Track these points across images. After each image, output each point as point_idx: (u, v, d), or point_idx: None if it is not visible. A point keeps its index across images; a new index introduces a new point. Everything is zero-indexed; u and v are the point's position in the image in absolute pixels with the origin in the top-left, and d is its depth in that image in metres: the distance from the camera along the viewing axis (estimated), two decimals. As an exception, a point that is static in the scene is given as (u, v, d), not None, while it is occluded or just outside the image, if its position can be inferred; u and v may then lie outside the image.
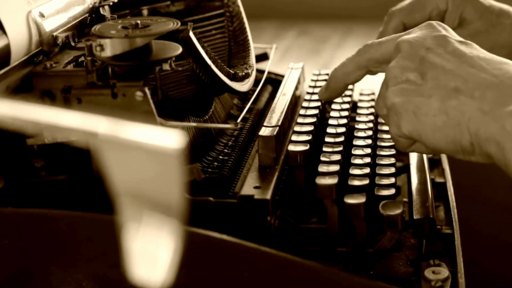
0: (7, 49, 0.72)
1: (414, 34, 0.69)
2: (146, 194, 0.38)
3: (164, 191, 0.38)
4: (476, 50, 0.67)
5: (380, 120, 0.92)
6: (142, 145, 0.38)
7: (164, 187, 0.38)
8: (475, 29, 0.89)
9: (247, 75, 0.87)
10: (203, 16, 0.94)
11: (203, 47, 0.77)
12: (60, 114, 0.40)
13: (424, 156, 0.88)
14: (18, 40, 0.73)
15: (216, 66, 0.79)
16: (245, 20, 0.96)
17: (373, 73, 0.76)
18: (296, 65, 1.01)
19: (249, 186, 0.71)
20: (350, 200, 0.70)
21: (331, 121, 0.86)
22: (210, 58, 0.78)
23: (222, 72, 0.80)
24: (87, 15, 0.87)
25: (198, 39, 0.77)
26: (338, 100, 0.93)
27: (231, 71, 0.83)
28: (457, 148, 0.64)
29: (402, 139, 0.68)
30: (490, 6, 0.90)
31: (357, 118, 0.90)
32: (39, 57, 0.75)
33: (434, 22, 0.71)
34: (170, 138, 0.38)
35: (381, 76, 0.94)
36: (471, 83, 0.63)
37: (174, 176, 0.37)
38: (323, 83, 0.95)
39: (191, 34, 0.75)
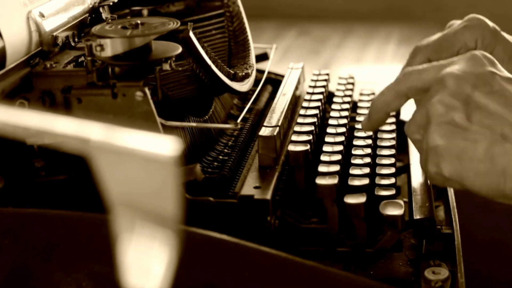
0: (2, 52, 0.71)
1: (458, 66, 0.66)
2: (141, 202, 0.37)
3: (159, 200, 0.37)
4: None
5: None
6: (136, 152, 0.36)
7: (160, 195, 0.37)
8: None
9: (247, 75, 0.87)
10: (203, 16, 0.94)
11: (203, 47, 0.77)
12: (52, 120, 0.39)
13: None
14: (14, 43, 0.73)
15: (216, 66, 0.79)
16: (245, 20, 0.96)
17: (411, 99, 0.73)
18: (296, 65, 1.01)
19: (249, 186, 0.71)
20: (350, 200, 0.70)
21: (331, 121, 0.86)
22: (210, 58, 0.78)
23: (222, 72, 0.80)
24: (87, 15, 0.87)
25: (198, 39, 0.77)
26: (338, 100, 0.93)
27: (231, 71, 0.83)
28: (499, 194, 0.63)
29: (439, 177, 0.65)
30: None
31: (357, 118, 0.90)
32: (36, 60, 0.74)
33: (479, 53, 0.68)
34: (166, 144, 0.36)
35: (382, 76, 0.93)
36: None
37: (170, 184, 0.36)
38: (323, 83, 0.95)
39: (191, 34, 0.75)
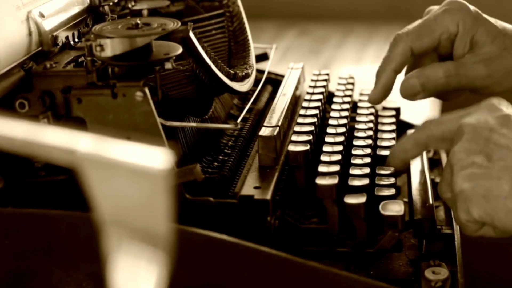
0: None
1: (476, 115, 0.67)
2: (130, 216, 0.35)
3: (149, 214, 0.35)
4: None
5: (380, 120, 0.92)
6: (126, 165, 0.34)
7: (150, 209, 0.35)
8: (488, 53, 0.82)
9: (247, 75, 0.87)
10: (203, 16, 0.94)
11: (203, 47, 0.77)
12: (40, 131, 0.36)
13: (424, 156, 0.88)
14: (7, 48, 0.72)
15: (216, 66, 0.79)
16: (245, 20, 0.96)
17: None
18: (296, 65, 1.01)
19: (249, 186, 0.71)
20: (350, 200, 0.70)
21: (331, 121, 0.85)
22: (210, 58, 0.78)
23: (222, 72, 0.80)
24: (87, 15, 0.87)
25: (198, 39, 0.77)
26: (338, 100, 0.93)
27: (231, 71, 0.83)
28: None
29: (471, 224, 0.65)
30: (503, 29, 0.84)
31: (357, 118, 0.90)
32: (29, 63, 0.74)
33: (494, 101, 0.68)
34: (157, 157, 0.35)
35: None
36: None
37: (161, 198, 0.34)
38: (323, 83, 0.95)
39: (191, 34, 0.75)
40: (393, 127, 0.89)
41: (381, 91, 0.85)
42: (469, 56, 0.83)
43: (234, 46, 0.94)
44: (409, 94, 0.83)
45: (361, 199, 0.70)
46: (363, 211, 0.70)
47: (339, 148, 0.78)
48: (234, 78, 0.83)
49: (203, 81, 0.79)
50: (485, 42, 0.83)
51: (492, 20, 0.84)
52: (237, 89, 0.83)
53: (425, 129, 0.71)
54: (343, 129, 0.83)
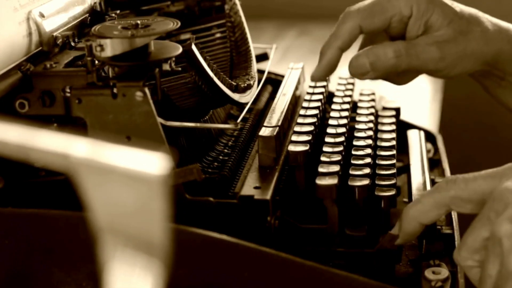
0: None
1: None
2: (126, 223, 0.35)
3: (146, 220, 0.34)
4: None
5: (380, 120, 0.92)
6: (122, 170, 0.33)
7: (146, 216, 0.34)
8: (442, 36, 0.79)
9: (249, 86, 0.87)
10: (205, 26, 0.94)
11: (205, 59, 0.77)
12: (34, 135, 0.35)
13: (424, 156, 0.88)
14: (5, 49, 0.72)
15: (218, 78, 0.78)
16: (247, 30, 0.96)
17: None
18: (296, 65, 1.01)
19: (249, 186, 0.71)
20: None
21: (331, 121, 0.85)
22: (212, 70, 0.77)
23: (224, 84, 0.79)
24: (87, 15, 0.87)
25: (200, 51, 0.76)
26: (338, 100, 0.93)
27: (233, 83, 0.82)
28: None
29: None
30: (460, 12, 0.81)
31: (357, 118, 0.90)
32: (27, 65, 0.74)
33: None
34: (154, 162, 0.33)
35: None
36: None
37: (158, 204, 0.33)
38: (323, 83, 0.95)
39: (193, 46, 0.75)
40: (393, 127, 0.89)
41: (325, 68, 0.82)
42: (422, 38, 0.80)
43: (236, 57, 0.94)
44: (358, 72, 0.80)
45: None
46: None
47: (339, 148, 0.78)
48: (236, 89, 0.83)
49: (205, 93, 0.78)
50: (441, 25, 0.80)
51: (449, 2, 0.81)
52: (238, 101, 0.83)
53: (449, 190, 0.63)
54: (343, 129, 0.83)
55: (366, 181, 0.73)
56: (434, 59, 0.79)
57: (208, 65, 0.77)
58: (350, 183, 0.73)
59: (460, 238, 0.72)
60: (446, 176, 0.64)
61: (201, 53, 0.76)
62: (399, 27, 0.81)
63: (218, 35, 0.93)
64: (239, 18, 0.96)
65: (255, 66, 0.93)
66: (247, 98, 0.86)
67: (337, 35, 0.81)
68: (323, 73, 0.82)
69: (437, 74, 0.82)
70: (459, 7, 0.82)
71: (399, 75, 0.84)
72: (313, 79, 0.84)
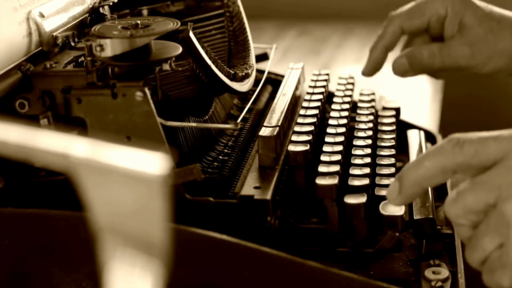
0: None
1: None
2: (126, 224, 0.34)
3: (145, 221, 0.34)
4: None
5: (380, 120, 0.92)
6: (121, 170, 0.33)
7: (146, 216, 0.34)
8: (474, 35, 0.89)
9: (247, 75, 0.87)
10: (203, 16, 0.94)
11: (203, 47, 0.77)
12: (34, 135, 0.35)
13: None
14: (5, 49, 0.72)
15: (216, 66, 0.79)
16: (245, 20, 0.96)
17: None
18: (296, 65, 1.01)
19: (249, 186, 0.71)
20: (350, 200, 0.70)
21: (331, 121, 0.85)
22: (210, 58, 0.78)
23: (222, 72, 0.80)
24: (87, 15, 0.87)
25: (198, 39, 0.77)
26: (338, 100, 0.93)
27: (231, 71, 0.83)
28: None
29: None
30: (490, 13, 0.90)
31: (357, 118, 0.90)
32: (27, 65, 0.74)
33: None
34: (153, 162, 0.33)
35: (382, 76, 0.94)
36: None
37: (157, 204, 0.33)
38: (323, 83, 0.95)
39: (191, 34, 0.75)
40: (393, 127, 0.90)
41: (373, 65, 0.94)
42: (456, 38, 0.89)
43: (234, 46, 0.94)
44: (400, 71, 0.92)
45: (361, 199, 0.70)
46: (363, 211, 0.69)
47: (339, 148, 0.78)
48: (234, 78, 0.83)
49: (203, 81, 0.79)
50: (473, 24, 0.88)
51: (481, 4, 0.90)
52: (237, 89, 0.83)
53: (456, 154, 0.57)
54: (343, 129, 0.83)
55: (366, 181, 0.73)
56: (466, 57, 0.88)
57: (206, 53, 0.77)
58: (350, 183, 0.73)
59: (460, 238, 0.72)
60: (448, 136, 0.58)
61: (199, 41, 0.76)
62: (437, 27, 0.91)
63: (216, 24, 0.94)
64: (237, 8, 0.96)
65: (253, 55, 0.94)
66: (245, 87, 0.86)
67: (382, 36, 0.93)
68: (372, 70, 0.95)
69: (469, 71, 0.90)
70: (490, 8, 0.90)
71: (437, 71, 0.93)
72: (364, 74, 0.95)
